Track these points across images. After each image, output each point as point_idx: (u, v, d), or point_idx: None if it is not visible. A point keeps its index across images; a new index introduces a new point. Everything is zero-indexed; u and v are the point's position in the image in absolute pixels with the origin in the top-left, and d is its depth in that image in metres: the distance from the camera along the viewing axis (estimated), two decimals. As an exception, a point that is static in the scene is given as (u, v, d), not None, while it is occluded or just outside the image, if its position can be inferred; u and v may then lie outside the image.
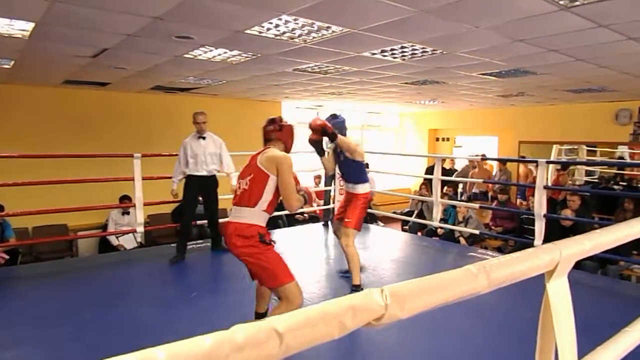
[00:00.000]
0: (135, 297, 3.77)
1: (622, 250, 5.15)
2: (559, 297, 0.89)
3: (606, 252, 4.12)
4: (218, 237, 5.02)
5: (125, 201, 6.24)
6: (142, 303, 3.56)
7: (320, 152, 3.72)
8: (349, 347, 2.83)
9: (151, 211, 6.82)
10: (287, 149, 2.82)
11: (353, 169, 3.81)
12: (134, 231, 5.32)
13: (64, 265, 5.13)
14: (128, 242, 6.52)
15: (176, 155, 5.76)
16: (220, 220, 4.99)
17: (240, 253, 2.52)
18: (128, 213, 6.58)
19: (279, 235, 6.42)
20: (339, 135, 3.60)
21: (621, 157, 8.80)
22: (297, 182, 2.76)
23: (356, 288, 3.64)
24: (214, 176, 4.88)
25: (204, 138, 4.80)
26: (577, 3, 2.79)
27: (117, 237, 6.51)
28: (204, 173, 4.76)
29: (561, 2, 2.78)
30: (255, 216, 2.51)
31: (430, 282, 0.61)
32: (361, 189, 3.80)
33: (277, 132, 2.80)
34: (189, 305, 3.48)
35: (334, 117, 3.82)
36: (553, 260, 0.83)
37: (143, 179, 4.99)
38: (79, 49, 4.21)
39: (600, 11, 2.96)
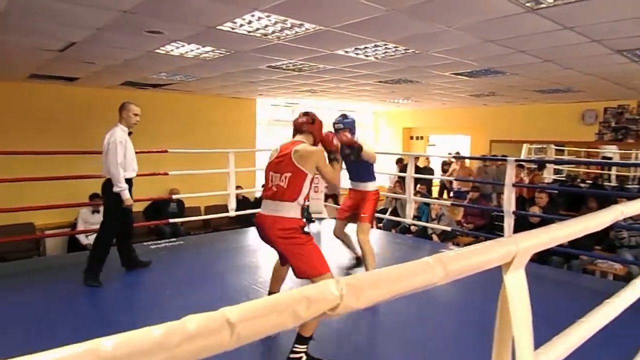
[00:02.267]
0: (104, 297, 3.69)
1: (586, 245, 5.36)
2: (516, 288, 0.92)
3: (570, 247, 4.26)
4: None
5: (96, 199, 6.10)
6: (112, 303, 3.50)
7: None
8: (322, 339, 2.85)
9: (122, 209, 6.70)
10: (316, 143, 2.88)
11: (364, 169, 3.82)
12: (103, 230, 5.19)
13: (31, 264, 4.98)
14: (98, 241, 6.37)
15: (148, 152, 5.69)
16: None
17: (282, 244, 2.62)
18: (99, 212, 6.43)
19: (254, 233, 6.40)
20: (364, 148, 3.52)
21: (606, 157, 9.06)
22: (332, 145, 2.96)
23: None
24: None
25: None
26: (542, 5, 2.87)
27: (86, 236, 6.37)
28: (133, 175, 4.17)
29: (527, 4, 2.86)
30: (294, 209, 2.63)
31: (386, 273, 0.63)
32: (372, 186, 3.87)
33: (310, 125, 2.84)
34: (161, 305, 3.43)
35: (344, 117, 3.71)
36: (510, 252, 0.86)
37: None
38: (46, 43, 4.09)
39: (565, 14, 3.05)
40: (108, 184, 3.85)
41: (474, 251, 0.80)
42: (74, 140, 6.77)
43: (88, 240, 6.36)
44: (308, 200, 6.60)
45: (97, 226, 5.98)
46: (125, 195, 3.85)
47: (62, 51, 4.39)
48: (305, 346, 2.49)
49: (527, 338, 0.95)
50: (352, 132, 3.61)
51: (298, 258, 2.59)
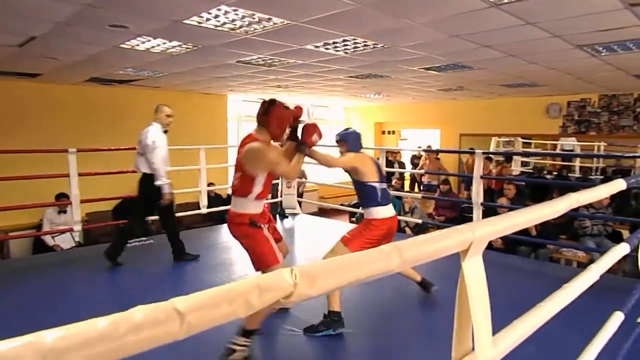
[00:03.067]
0: (70, 298, 3.60)
1: (552, 234, 5.54)
2: (474, 275, 0.95)
3: (536, 237, 4.40)
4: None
5: (63, 199, 5.93)
6: (75, 305, 3.41)
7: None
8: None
9: (91, 209, 6.54)
10: (274, 137, 2.60)
11: (357, 190, 3.11)
12: (70, 230, 5.06)
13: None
14: (65, 242, 6.21)
15: (116, 149, 5.56)
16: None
17: (238, 238, 2.64)
18: (65, 212, 6.26)
19: (226, 230, 6.35)
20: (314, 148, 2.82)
21: (565, 149, 9.27)
22: (306, 138, 2.72)
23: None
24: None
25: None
26: (505, 1, 2.94)
27: (52, 237, 6.18)
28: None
29: (491, 0, 2.92)
30: (245, 204, 2.58)
31: (341, 261, 0.64)
32: (368, 212, 3.03)
33: (263, 117, 2.56)
34: (128, 307, 3.37)
35: (345, 130, 3.24)
36: (466, 240, 0.89)
37: (80, 174, 4.76)
38: (4, 37, 3.94)
39: (528, 9, 3.14)
40: (146, 178, 4.16)
41: (430, 239, 0.82)
42: (39, 138, 6.56)
43: (54, 241, 6.18)
44: (281, 196, 6.60)
45: (64, 226, 5.89)
46: (166, 188, 4.19)
47: (21, 46, 4.24)
48: (246, 340, 2.37)
49: (485, 323, 0.98)
50: (349, 145, 3.09)
51: (250, 252, 2.60)
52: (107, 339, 0.40)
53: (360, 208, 3.51)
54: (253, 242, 2.57)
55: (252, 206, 2.58)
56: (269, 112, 2.54)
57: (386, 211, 3.03)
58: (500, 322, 1.09)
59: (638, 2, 2.91)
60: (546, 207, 1.23)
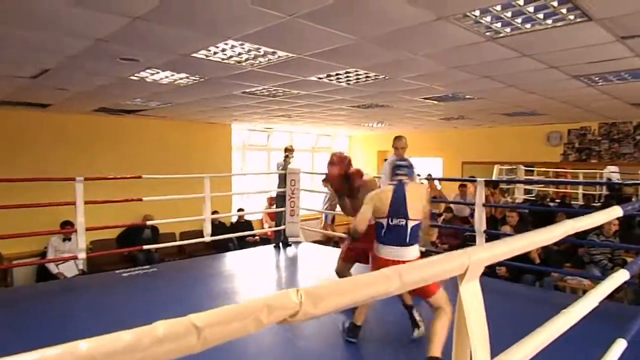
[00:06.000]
0: (72, 326, 3.61)
1: (555, 262, 5.52)
2: (471, 299, 0.98)
3: (539, 265, 4.37)
4: None
5: (67, 227, 5.98)
6: (79, 333, 3.41)
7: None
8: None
9: (95, 237, 6.57)
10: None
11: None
12: (75, 258, 5.08)
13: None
14: (69, 269, 6.21)
15: (122, 178, 5.64)
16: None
17: None
18: (70, 239, 6.29)
19: (230, 258, 6.36)
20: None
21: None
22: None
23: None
24: None
25: None
26: (501, 35, 3.05)
27: (56, 265, 6.20)
28: None
29: (487, 34, 3.04)
30: None
31: (344, 283, 0.68)
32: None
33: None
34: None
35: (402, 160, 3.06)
36: (463, 264, 0.93)
37: (86, 203, 4.82)
38: (18, 70, 4.08)
39: (523, 42, 3.25)
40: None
41: (428, 263, 0.87)
42: (45, 166, 6.67)
43: (58, 269, 6.19)
44: (284, 224, 6.62)
45: (68, 254, 5.91)
46: None
47: (34, 78, 4.38)
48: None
49: (483, 346, 1.01)
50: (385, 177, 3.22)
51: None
52: (133, 351, 0.44)
53: None
54: None
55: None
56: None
57: (385, 251, 2.75)
58: (501, 347, 1.12)
59: (629, 35, 3.02)
60: (542, 233, 1.27)
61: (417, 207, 2.76)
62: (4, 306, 4.06)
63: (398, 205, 2.75)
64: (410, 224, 2.71)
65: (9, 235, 4.77)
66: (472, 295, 0.98)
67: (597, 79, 4.44)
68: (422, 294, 2.64)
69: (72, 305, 4.21)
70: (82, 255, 4.89)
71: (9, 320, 3.68)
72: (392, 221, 2.73)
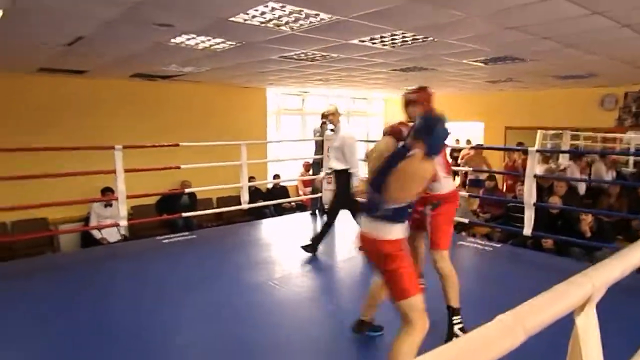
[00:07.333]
0: (116, 293, 3.66)
1: (609, 236, 5.20)
2: (589, 329, 0.82)
3: (590, 238, 4.06)
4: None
5: (108, 193, 6.07)
6: (125, 300, 3.45)
7: None
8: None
9: (135, 203, 6.66)
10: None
11: None
12: (117, 225, 5.15)
13: (44, 262, 4.96)
14: (111, 235, 6.35)
15: (160, 146, 5.62)
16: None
17: None
18: (111, 205, 6.40)
19: (267, 225, 6.33)
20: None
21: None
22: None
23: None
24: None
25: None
26: (572, -9, 2.71)
27: (99, 230, 6.34)
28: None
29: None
30: None
31: (467, 343, 0.53)
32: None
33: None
34: (176, 301, 3.37)
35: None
36: (585, 294, 0.76)
37: (125, 171, 4.82)
38: (53, 38, 3.99)
39: (594, -2, 2.88)
40: (343, 172, 4.56)
41: (547, 300, 0.70)
42: (85, 133, 6.72)
43: (101, 234, 6.34)
44: (321, 192, 6.51)
45: (110, 220, 6.02)
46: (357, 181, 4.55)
47: (70, 45, 4.29)
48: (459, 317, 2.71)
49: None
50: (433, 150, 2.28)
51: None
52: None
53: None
54: None
55: None
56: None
57: (364, 223, 2.24)
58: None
59: None
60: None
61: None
62: (55, 272, 4.16)
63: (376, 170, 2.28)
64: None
65: (53, 203, 4.85)
66: (589, 324, 0.81)
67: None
68: (392, 293, 2.08)
69: (116, 272, 4.29)
70: (124, 222, 4.96)
71: (59, 285, 3.77)
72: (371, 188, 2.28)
